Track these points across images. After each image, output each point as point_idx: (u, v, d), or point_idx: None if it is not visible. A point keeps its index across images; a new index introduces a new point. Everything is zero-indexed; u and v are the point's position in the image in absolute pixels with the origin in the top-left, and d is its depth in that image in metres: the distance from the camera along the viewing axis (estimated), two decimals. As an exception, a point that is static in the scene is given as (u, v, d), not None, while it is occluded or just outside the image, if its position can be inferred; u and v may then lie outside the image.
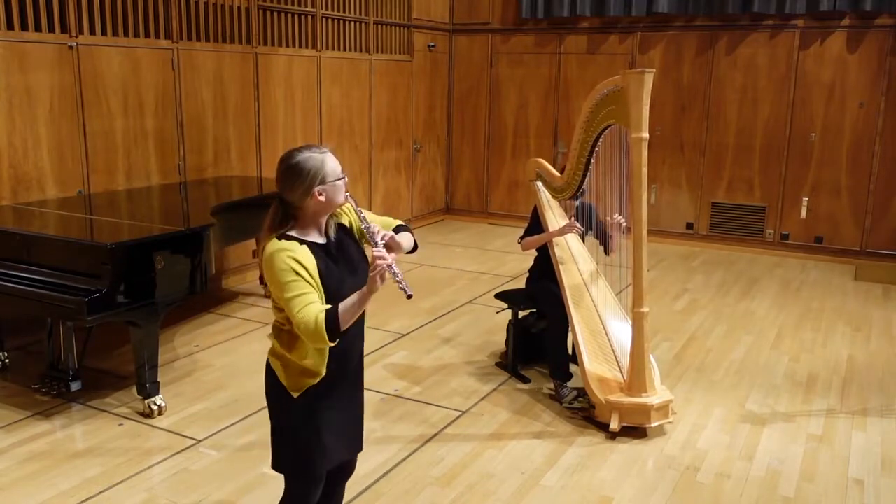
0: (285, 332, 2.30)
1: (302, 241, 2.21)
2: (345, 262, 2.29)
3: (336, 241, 2.30)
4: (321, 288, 2.19)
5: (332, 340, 2.13)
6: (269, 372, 2.37)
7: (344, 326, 2.13)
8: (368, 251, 2.37)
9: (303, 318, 2.12)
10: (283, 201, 2.26)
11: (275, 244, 2.19)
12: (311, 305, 2.13)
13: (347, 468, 2.60)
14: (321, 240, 2.27)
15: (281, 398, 2.34)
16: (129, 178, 5.65)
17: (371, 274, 2.10)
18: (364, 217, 2.30)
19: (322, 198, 2.22)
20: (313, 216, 2.26)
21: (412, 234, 2.49)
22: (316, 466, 2.36)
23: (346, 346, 2.30)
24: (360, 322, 2.34)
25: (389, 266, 2.11)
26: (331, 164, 2.24)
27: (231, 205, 5.01)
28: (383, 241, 2.21)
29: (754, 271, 7.38)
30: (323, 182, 2.21)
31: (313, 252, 2.21)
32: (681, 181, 8.40)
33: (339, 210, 2.36)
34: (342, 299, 2.17)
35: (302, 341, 2.23)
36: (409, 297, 2.13)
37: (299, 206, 2.24)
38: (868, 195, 7.58)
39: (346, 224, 2.39)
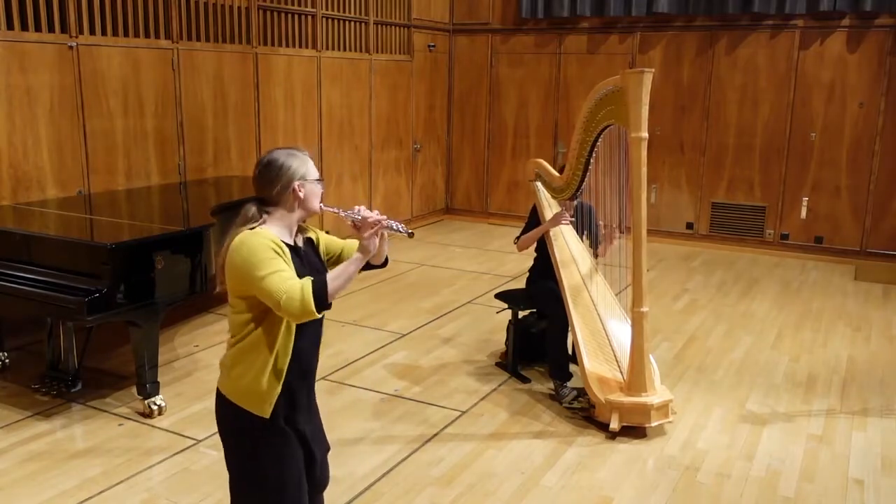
0: (245, 341, 2.19)
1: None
2: (309, 269, 2.25)
3: (303, 251, 2.29)
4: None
5: (319, 310, 2.06)
6: (224, 403, 2.24)
7: (334, 295, 2.09)
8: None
9: (288, 289, 2.04)
10: (259, 200, 2.24)
11: (248, 233, 2.16)
12: (293, 279, 2.08)
13: (320, 480, 2.46)
14: (290, 241, 2.24)
15: (242, 427, 2.23)
16: (129, 178, 5.65)
17: (366, 235, 2.15)
18: (341, 210, 2.27)
19: (301, 193, 2.21)
20: (286, 215, 2.22)
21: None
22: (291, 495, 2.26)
23: (303, 358, 2.27)
24: (315, 334, 2.31)
25: (379, 222, 2.16)
26: (311, 165, 2.28)
27: (231, 205, 4.99)
28: (359, 215, 2.19)
29: (754, 271, 7.37)
30: (304, 178, 2.23)
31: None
32: (681, 181, 8.40)
33: (305, 226, 2.34)
34: None
35: (265, 343, 2.16)
36: (411, 235, 2.22)
37: (275, 203, 2.22)
38: (868, 195, 7.58)
39: (313, 239, 2.37)
